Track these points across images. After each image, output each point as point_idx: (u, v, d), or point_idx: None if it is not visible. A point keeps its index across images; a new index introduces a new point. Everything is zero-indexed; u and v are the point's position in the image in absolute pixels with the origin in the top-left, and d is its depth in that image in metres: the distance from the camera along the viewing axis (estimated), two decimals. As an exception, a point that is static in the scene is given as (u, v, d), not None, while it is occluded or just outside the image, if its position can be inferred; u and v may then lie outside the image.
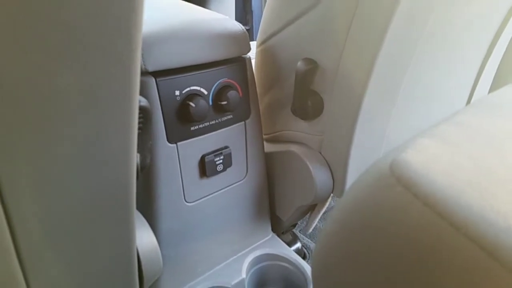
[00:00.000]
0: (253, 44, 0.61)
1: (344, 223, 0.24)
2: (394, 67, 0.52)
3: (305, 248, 0.84)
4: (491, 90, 0.79)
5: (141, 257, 0.41)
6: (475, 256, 0.17)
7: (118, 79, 0.25)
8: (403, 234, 0.19)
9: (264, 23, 0.57)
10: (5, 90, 0.20)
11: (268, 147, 0.63)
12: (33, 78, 0.21)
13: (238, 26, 0.52)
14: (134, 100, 0.27)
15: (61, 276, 0.31)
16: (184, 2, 0.58)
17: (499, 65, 0.75)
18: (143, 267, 0.41)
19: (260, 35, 0.59)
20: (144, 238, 0.42)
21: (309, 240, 0.87)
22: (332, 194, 0.62)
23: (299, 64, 0.52)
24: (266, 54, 0.58)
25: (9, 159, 0.23)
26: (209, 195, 0.55)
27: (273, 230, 0.68)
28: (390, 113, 0.58)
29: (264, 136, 0.62)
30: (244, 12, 1.63)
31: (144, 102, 0.38)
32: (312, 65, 0.52)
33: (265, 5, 1.81)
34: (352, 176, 0.59)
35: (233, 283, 0.57)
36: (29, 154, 0.24)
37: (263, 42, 0.58)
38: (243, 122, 0.55)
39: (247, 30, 1.71)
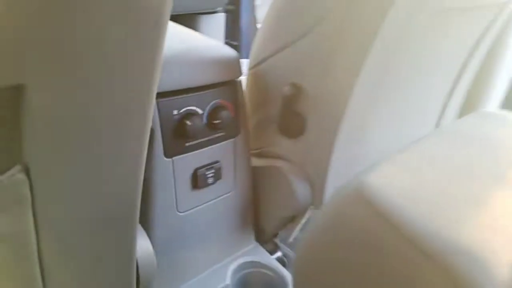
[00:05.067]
0: (242, 62, 0.65)
1: (318, 233, 0.29)
2: (369, 95, 0.58)
3: (285, 257, 0.89)
4: (460, 115, 0.88)
5: (138, 262, 0.45)
6: (406, 251, 0.23)
7: (142, 89, 0.29)
8: (360, 240, 0.25)
9: (255, 49, 0.63)
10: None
11: (255, 162, 0.68)
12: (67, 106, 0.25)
13: (232, 53, 0.57)
14: (149, 113, 0.31)
15: (73, 279, 0.35)
16: (181, 27, 0.63)
17: (467, 92, 0.83)
18: (140, 271, 0.45)
19: (251, 59, 0.64)
20: (142, 245, 0.46)
21: (289, 250, 0.92)
22: (311, 206, 0.67)
23: (286, 88, 0.58)
24: (257, 77, 0.64)
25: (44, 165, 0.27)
26: (199, 205, 0.59)
27: (257, 239, 0.73)
28: (365, 135, 0.64)
29: (252, 151, 0.67)
30: (233, 28, 1.70)
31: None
32: (297, 90, 0.58)
33: (253, 22, 1.87)
34: (330, 190, 0.64)
35: (218, 288, 0.61)
36: (56, 165, 0.28)
37: (254, 66, 0.64)
38: (233, 139, 0.60)
39: (235, 46, 1.77)
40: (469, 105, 0.85)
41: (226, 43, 1.77)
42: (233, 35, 1.75)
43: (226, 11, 1.70)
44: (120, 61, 0.25)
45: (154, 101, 0.30)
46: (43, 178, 0.27)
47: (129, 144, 0.31)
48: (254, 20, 1.73)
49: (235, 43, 1.77)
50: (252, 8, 1.69)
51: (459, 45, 0.68)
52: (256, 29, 1.72)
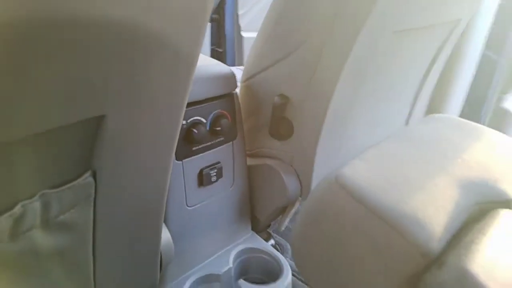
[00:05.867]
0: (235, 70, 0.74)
1: (307, 215, 0.40)
2: (346, 101, 0.69)
3: (278, 245, 1.00)
4: (426, 114, 1.00)
5: (161, 247, 0.54)
6: (372, 220, 0.33)
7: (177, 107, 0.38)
8: (335, 215, 0.36)
9: (247, 64, 0.73)
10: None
11: (250, 161, 0.78)
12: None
13: (229, 70, 0.67)
14: (178, 129, 0.40)
15: (115, 259, 0.44)
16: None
17: (431, 95, 0.95)
18: (162, 254, 0.55)
19: (244, 73, 0.74)
20: (163, 234, 0.55)
21: (281, 238, 1.03)
22: (300, 198, 0.78)
23: (276, 98, 0.68)
24: (249, 89, 0.74)
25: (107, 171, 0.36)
26: (205, 200, 0.69)
27: (252, 229, 0.83)
28: (344, 134, 0.75)
29: (247, 152, 0.77)
30: (218, 36, 1.79)
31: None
32: (285, 99, 0.68)
33: (236, 30, 1.95)
34: (315, 183, 0.75)
35: (222, 271, 0.71)
36: (113, 171, 0.37)
37: (246, 79, 0.74)
38: (231, 142, 0.70)
39: (220, 52, 1.85)
40: (433, 107, 0.98)
41: (212, 50, 1.86)
42: (218, 43, 1.84)
43: (211, 20, 1.79)
44: (162, 93, 0.35)
45: (182, 119, 0.39)
46: (104, 181, 0.37)
47: (163, 155, 0.41)
48: (237, 28, 1.82)
49: (220, 50, 1.86)
50: (236, 17, 1.79)
51: (421, 56, 0.79)
52: (239, 36, 1.81)
